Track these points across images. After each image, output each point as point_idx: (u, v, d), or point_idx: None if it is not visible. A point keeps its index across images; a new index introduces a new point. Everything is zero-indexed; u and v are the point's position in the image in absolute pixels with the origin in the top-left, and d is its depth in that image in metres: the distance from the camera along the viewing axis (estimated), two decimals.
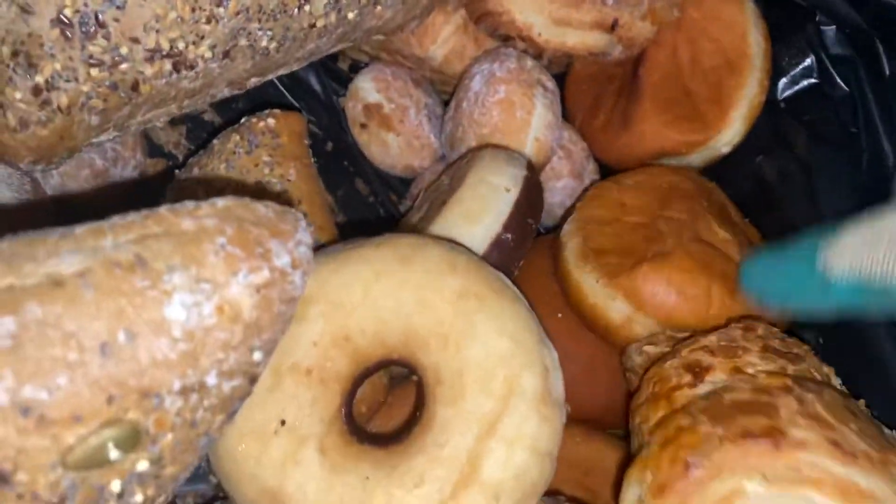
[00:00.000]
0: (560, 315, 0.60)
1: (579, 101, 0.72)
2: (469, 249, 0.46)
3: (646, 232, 0.59)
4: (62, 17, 0.45)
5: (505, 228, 0.49)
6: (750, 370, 0.47)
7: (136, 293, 0.28)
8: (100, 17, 0.46)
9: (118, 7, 0.46)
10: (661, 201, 0.62)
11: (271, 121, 0.55)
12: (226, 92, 0.55)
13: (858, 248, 0.41)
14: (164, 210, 0.31)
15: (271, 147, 0.54)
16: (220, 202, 0.33)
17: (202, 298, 0.29)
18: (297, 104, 0.72)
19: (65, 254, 0.28)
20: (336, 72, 0.73)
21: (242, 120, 0.57)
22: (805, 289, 0.44)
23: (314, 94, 0.72)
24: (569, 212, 0.64)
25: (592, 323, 0.58)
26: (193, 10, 0.48)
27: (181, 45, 0.49)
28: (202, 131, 0.69)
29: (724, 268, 0.56)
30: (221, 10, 0.49)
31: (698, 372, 0.47)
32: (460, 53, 0.68)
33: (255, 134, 0.55)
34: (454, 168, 0.58)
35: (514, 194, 0.50)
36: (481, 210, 0.49)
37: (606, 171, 0.70)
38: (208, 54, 0.50)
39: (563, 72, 0.72)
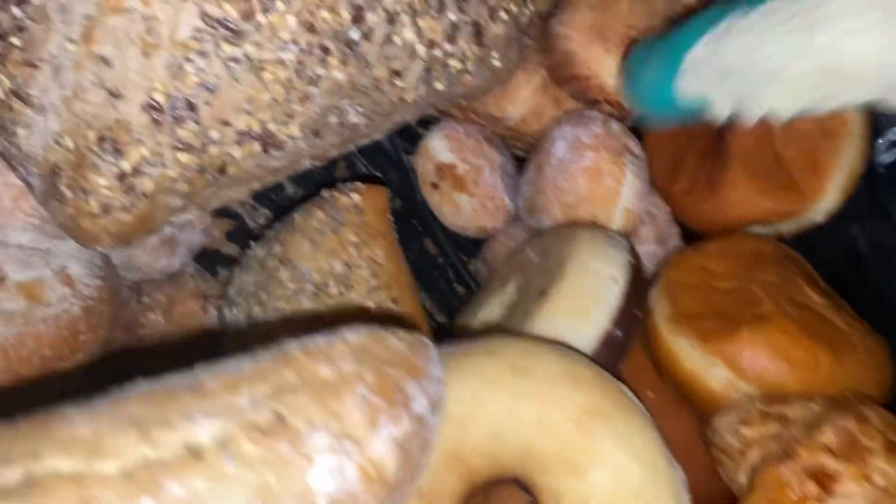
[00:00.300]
0: (650, 393, 0.57)
1: (659, 161, 0.68)
2: (584, 355, 0.43)
3: (739, 295, 0.56)
4: (153, 102, 0.42)
5: (615, 324, 0.46)
6: (879, 480, 0.44)
7: (278, 461, 0.25)
8: (192, 101, 0.43)
9: (210, 90, 0.43)
10: (748, 267, 0.59)
11: (356, 196, 0.52)
12: (307, 165, 0.53)
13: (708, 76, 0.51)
14: (296, 351, 0.29)
15: (357, 225, 0.51)
16: (353, 337, 0.30)
17: (345, 460, 0.26)
18: (364, 161, 0.69)
19: (199, 416, 0.25)
20: (404, 128, 0.70)
21: (324, 193, 0.55)
22: (655, 93, 0.54)
23: (382, 150, 0.69)
24: (651, 278, 0.61)
25: (689, 392, 0.55)
26: (287, 90, 0.45)
27: (272, 126, 0.46)
28: (268, 190, 0.67)
29: (827, 332, 0.54)
30: (314, 88, 0.46)
31: (825, 482, 0.44)
32: (538, 113, 0.65)
33: (340, 210, 0.52)
34: (543, 243, 0.55)
35: (621, 285, 0.47)
36: (588, 304, 0.46)
37: (688, 235, 0.67)
38: (298, 133, 0.48)
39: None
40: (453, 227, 0.68)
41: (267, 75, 0.44)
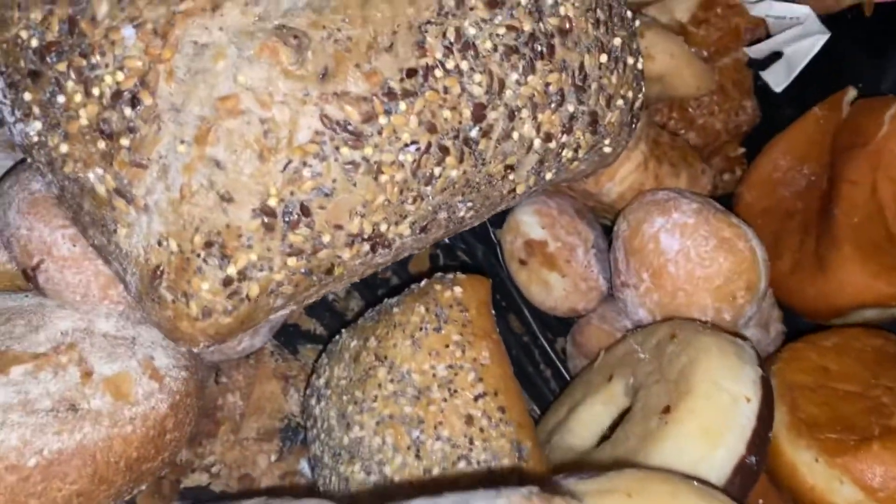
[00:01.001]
0: (761, 502, 0.54)
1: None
2: (719, 489, 0.40)
3: (864, 403, 0.52)
4: (266, 207, 0.40)
5: (749, 449, 0.42)
6: None
7: None
8: (306, 205, 0.40)
9: (327, 194, 0.40)
10: (870, 368, 0.55)
11: (458, 290, 0.49)
12: (406, 255, 0.50)
13: None
14: None
15: (461, 323, 0.48)
16: None
17: None
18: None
19: None
20: None
21: (423, 284, 0.52)
22: None
23: None
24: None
25: None
26: (402, 191, 0.42)
27: (383, 227, 0.43)
28: None
29: None
30: (429, 188, 0.43)
31: None
32: (637, 191, 0.62)
33: (443, 307, 0.49)
34: (655, 341, 0.51)
35: (755, 404, 0.43)
36: (722, 427, 0.42)
37: (789, 318, 0.64)
38: (407, 232, 0.45)
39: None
40: (542, 306, 0.64)
41: (384, 177, 0.41)
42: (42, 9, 0.39)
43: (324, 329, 0.63)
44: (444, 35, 0.42)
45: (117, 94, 0.38)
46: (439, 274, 0.52)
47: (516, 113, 0.45)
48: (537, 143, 0.46)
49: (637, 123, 0.54)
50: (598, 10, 0.48)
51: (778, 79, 0.66)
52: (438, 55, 0.41)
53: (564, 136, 0.48)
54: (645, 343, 0.53)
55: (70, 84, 0.39)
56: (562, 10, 0.45)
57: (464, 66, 0.42)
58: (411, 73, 0.41)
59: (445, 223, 0.47)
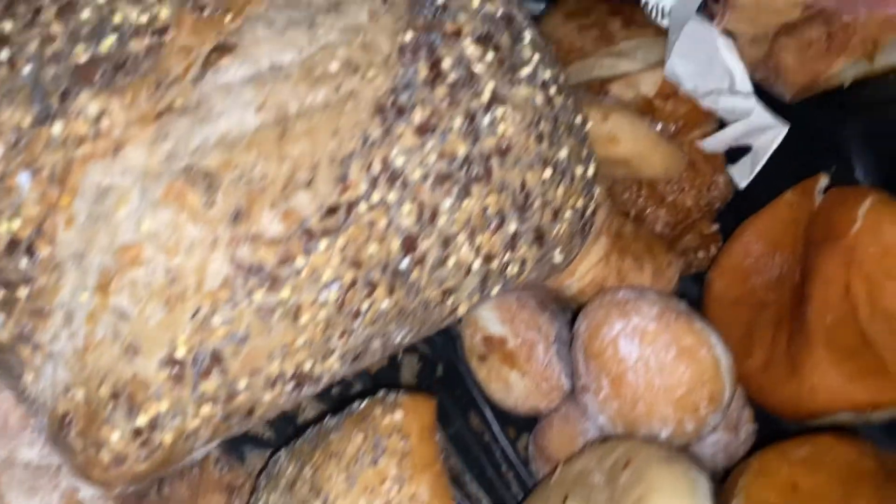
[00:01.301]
0: None
1: (725, 329, 0.59)
2: None
3: None
4: (173, 357, 0.37)
5: None
6: None
7: None
8: (218, 352, 0.38)
9: (240, 340, 0.38)
10: (842, 486, 0.52)
11: (399, 414, 0.47)
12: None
13: None
14: None
15: (400, 454, 0.45)
16: None
17: None
18: None
19: None
20: None
21: (364, 404, 0.49)
22: None
23: None
24: (728, 485, 0.55)
25: None
26: (326, 329, 0.40)
27: (308, 366, 0.41)
28: None
29: None
30: (357, 322, 0.41)
31: None
32: (599, 285, 0.59)
33: (381, 434, 0.46)
34: (610, 464, 0.49)
35: None
36: None
37: (762, 415, 0.60)
38: (336, 365, 0.42)
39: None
40: (502, 404, 0.61)
41: (304, 318, 0.39)
42: None
43: (273, 433, 0.60)
44: (368, 167, 0.39)
45: (13, 244, 0.36)
46: (382, 392, 0.49)
47: (451, 239, 0.42)
48: (477, 265, 0.44)
49: (591, 229, 0.51)
50: (542, 123, 0.45)
51: (742, 174, 0.64)
52: (363, 189, 0.39)
53: (507, 254, 0.45)
54: (602, 461, 0.50)
55: None
56: (500, 129, 0.43)
57: (391, 197, 0.40)
58: (332, 210, 0.38)
59: (380, 350, 0.44)
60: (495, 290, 0.47)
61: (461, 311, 0.45)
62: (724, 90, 0.61)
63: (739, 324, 0.63)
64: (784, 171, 0.64)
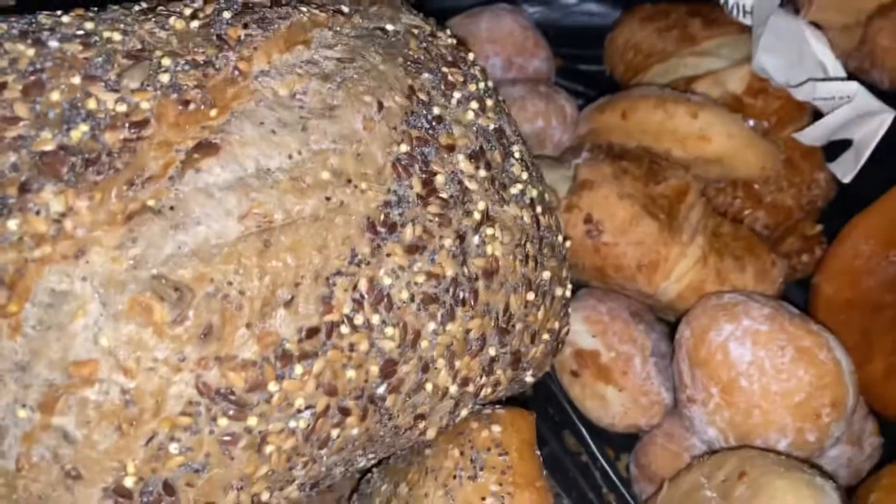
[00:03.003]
0: None
1: (839, 335, 0.55)
2: None
3: None
4: (120, 486, 0.33)
5: None
6: None
7: None
8: (171, 483, 0.34)
9: (197, 470, 0.34)
10: None
11: (497, 429, 0.43)
12: None
13: None
14: None
15: (500, 470, 0.41)
16: None
17: None
18: None
19: None
20: None
21: (458, 420, 0.44)
22: None
23: None
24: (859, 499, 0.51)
25: None
26: (291, 458, 0.36)
27: (265, 496, 0.37)
28: None
29: None
30: (324, 451, 0.37)
31: None
32: (698, 289, 0.56)
33: (479, 450, 0.42)
34: (724, 476, 0.45)
35: None
36: None
37: (887, 427, 0.57)
38: (294, 494, 0.38)
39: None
40: (598, 422, 0.58)
41: (269, 448, 0.35)
42: None
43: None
44: (354, 287, 0.36)
45: None
46: (477, 407, 0.45)
47: (431, 364, 0.39)
48: (454, 389, 0.41)
49: (561, 348, 0.49)
50: (528, 245, 0.43)
51: (846, 168, 0.60)
52: (346, 310, 0.36)
53: (484, 377, 0.43)
54: (712, 477, 0.47)
55: None
56: (489, 250, 0.41)
57: (375, 320, 0.37)
58: (312, 332, 0.35)
59: (342, 474, 0.41)
60: (464, 412, 0.44)
61: (430, 434, 0.43)
62: (819, 79, 0.58)
63: (854, 329, 0.59)
64: (891, 163, 0.60)
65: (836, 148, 0.62)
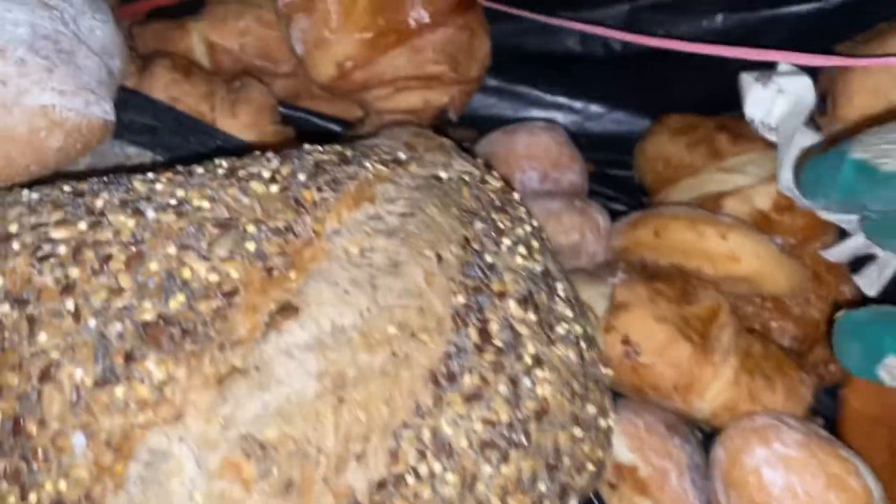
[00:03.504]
0: None
1: (866, 453, 0.57)
2: None
3: None
4: None
5: None
6: None
7: None
8: None
9: None
10: None
11: None
12: None
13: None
14: None
15: None
16: None
17: None
18: None
19: None
20: None
21: None
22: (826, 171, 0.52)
23: None
24: None
25: None
26: None
27: None
28: None
29: None
30: None
31: None
32: (731, 408, 0.58)
33: None
34: None
35: None
36: None
37: None
38: None
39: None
40: None
41: None
42: None
43: None
44: (419, 438, 0.40)
45: None
46: None
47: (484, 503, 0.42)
48: None
49: (604, 474, 0.52)
50: (574, 382, 0.47)
51: (870, 284, 0.62)
52: (412, 461, 0.39)
53: None
54: None
55: (3, 485, 0.35)
56: (539, 391, 0.44)
57: (437, 468, 0.40)
58: (381, 484, 0.38)
59: None
60: None
61: None
62: None
63: (882, 446, 0.60)
64: None
65: (860, 261, 0.65)
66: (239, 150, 0.58)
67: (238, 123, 0.65)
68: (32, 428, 0.35)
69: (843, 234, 0.64)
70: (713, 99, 0.75)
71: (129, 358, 0.36)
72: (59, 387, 0.36)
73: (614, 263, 0.62)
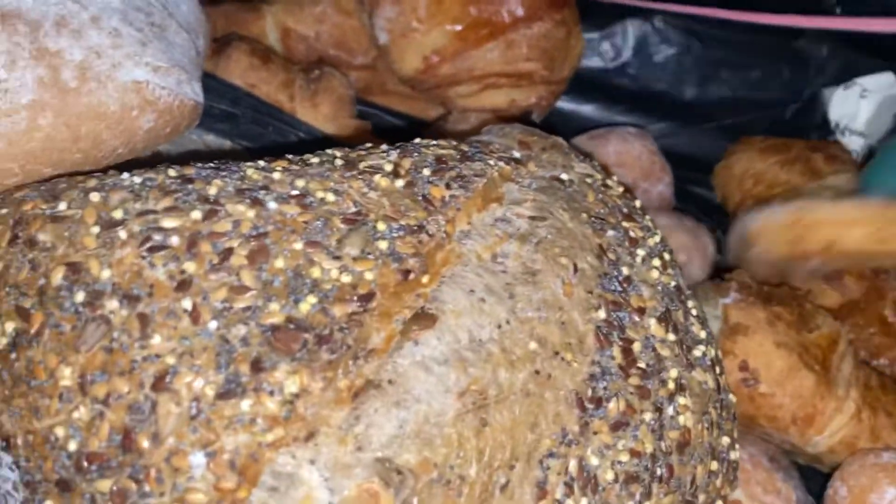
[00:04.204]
0: None
1: None
2: None
3: None
4: None
5: None
6: None
7: None
8: None
9: None
10: None
11: None
12: None
13: None
14: None
15: None
16: None
17: None
18: None
19: None
20: None
21: None
22: None
23: None
24: None
25: None
26: None
27: None
28: None
29: None
30: None
31: None
32: (851, 445, 0.54)
33: None
34: None
35: None
36: None
37: None
38: None
39: None
40: None
41: None
42: (90, 407, 0.31)
43: None
44: (565, 470, 0.35)
45: None
46: None
47: None
48: None
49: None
50: (712, 409, 0.42)
51: None
52: (558, 495, 0.35)
53: None
54: None
55: None
56: (681, 421, 0.40)
57: (583, 503, 0.36)
58: None
59: None
60: None
61: None
62: None
63: None
64: None
65: None
66: (322, 143, 0.54)
67: (318, 115, 0.61)
68: (144, 443, 0.31)
69: None
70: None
71: (256, 366, 0.32)
72: (175, 397, 0.31)
73: (726, 285, 0.57)
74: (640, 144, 0.68)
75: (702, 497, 0.42)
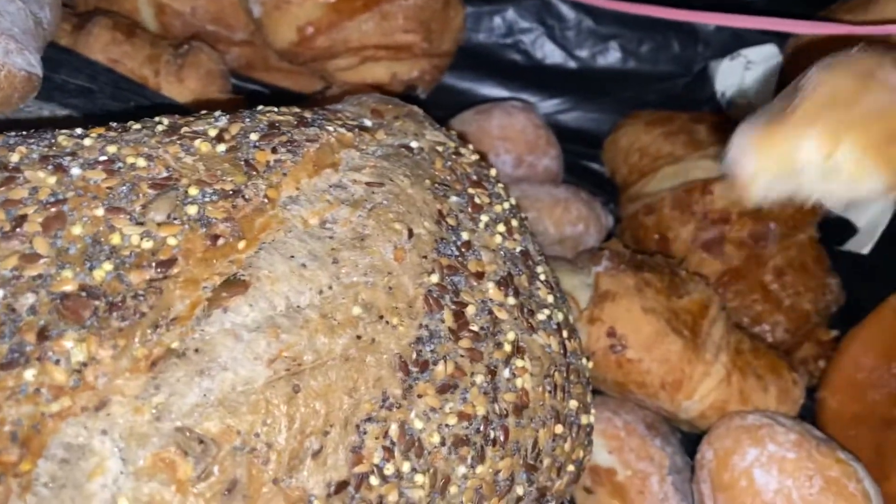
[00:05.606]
0: None
1: (851, 450, 0.53)
2: None
3: None
4: None
5: None
6: None
7: None
8: None
9: None
10: None
11: None
12: None
13: None
14: None
15: None
16: None
17: None
18: None
19: None
20: None
21: None
22: None
23: None
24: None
25: None
26: None
27: None
28: None
29: None
30: None
31: None
32: (721, 408, 0.54)
33: None
34: None
35: None
36: None
37: None
38: None
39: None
40: None
41: None
42: None
43: None
44: (385, 434, 0.35)
45: None
46: None
47: None
48: None
49: (583, 475, 0.48)
50: (556, 374, 0.42)
51: (861, 242, 0.62)
52: (376, 460, 0.34)
53: None
54: None
55: None
56: (519, 383, 0.39)
57: (405, 468, 0.35)
58: (341, 485, 0.33)
59: None
60: None
61: None
62: None
63: (865, 445, 0.57)
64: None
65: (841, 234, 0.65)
66: (180, 112, 0.52)
67: (185, 90, 0.59)
68: None
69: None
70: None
71: (42, 335, 0.30)
72: None
73: (598, 253, 0.57)
74: (524, 118, 0.67)
75: (546, 461, 0.42)
